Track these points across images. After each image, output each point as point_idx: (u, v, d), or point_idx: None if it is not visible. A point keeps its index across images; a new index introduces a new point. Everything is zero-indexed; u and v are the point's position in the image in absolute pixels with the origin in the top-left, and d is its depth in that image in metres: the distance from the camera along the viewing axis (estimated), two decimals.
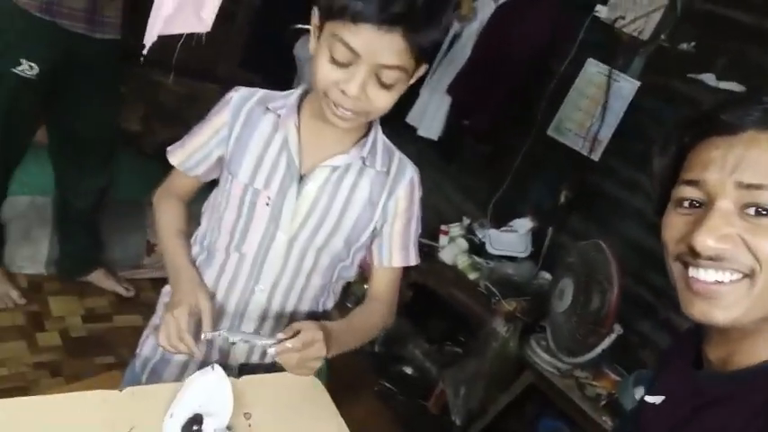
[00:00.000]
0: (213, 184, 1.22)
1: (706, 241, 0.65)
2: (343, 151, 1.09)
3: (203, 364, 1.19)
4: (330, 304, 1.27)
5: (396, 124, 3.13)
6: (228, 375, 1.04)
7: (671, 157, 0.77)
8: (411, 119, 3.03)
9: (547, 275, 2.58)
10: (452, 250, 2.66)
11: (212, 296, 1.16)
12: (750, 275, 0.66)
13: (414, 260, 1.21)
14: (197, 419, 0.95)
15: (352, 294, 2.83)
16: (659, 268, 2.31)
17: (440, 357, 2.74)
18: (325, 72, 0.94)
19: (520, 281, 2.51)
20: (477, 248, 2.73)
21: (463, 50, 2.85)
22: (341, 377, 1.37)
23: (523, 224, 2.61)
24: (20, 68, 1.96)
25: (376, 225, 1.15)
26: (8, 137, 2.10)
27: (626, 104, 2.48)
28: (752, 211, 0.65)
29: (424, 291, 2.59)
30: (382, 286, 1.21)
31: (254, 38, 3.54)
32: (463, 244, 2.70)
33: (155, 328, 1.24)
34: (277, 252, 1.12)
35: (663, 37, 2.38)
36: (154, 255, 2.58)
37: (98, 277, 2.55)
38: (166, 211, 1.22)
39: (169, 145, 1.21)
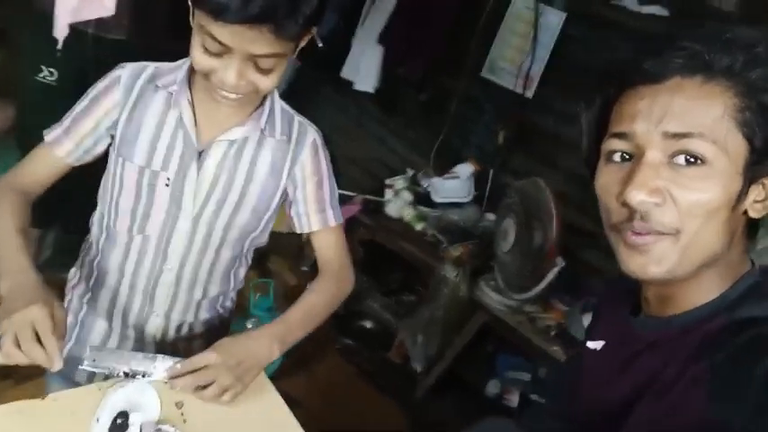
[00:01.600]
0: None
1: (637, 196, 0.65)
2: (239, 123, 1.06)
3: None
4: (242, 273, 1.25)
5: (331, 80, 3.08)
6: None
7: (597, 109, 0.75)
8: (346, 73, 2.97)
9: (492, 217, 2.61)
10: (397, 203, 2.66)
11: (119, 278, 1.14)
12: (674, 233, 0.66)
13: (333, 221, 1.18)
14: (123, 414, 0.93)
15: (306, 257, 2.83)
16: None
17: (397, 308, 2.77)
18: (200, 60, 0.92)
19: (466, 225, 2.53)
20: (422, 198, 2.73)
21: None
22: (302, 341, 1.37)
23: (465, 169, 2.61)
24: (41, 75, 1.93)
25: (286, 192, 1.14)
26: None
27: (554, 36, 2.47)
28: (681, 159, 0.64)
29: (375, 245, 2.60)
30: (324, 252, 1.20)
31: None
32: (408, 196, 2.70)
33: (72, 314, 1.20)
34: (182, 232, 1.10)
35: None
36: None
37: None
38: (8, 204, 1.05)
39: None
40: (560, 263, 2.10)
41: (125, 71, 1.07)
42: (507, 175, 2.63)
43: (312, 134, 1.14)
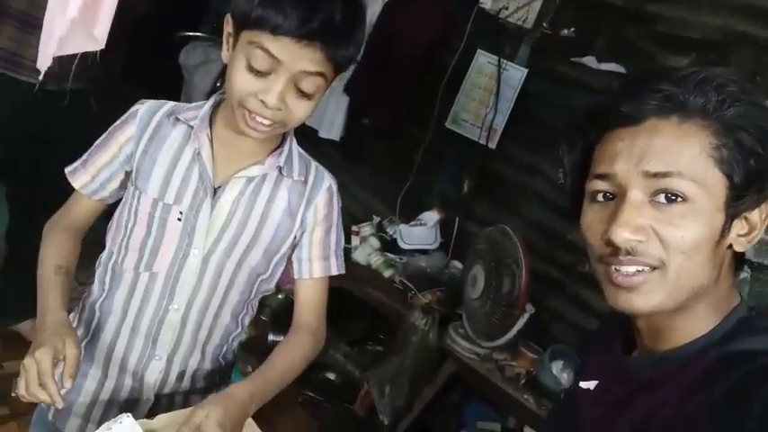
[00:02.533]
0: (113, 207, 1.15)
1: (622, 234, 0.67)
2: (258, 162, 1.05)
3: (116, 398, 1.11)
4: (247, 321, 1.20)
5: (295, 128, 3.08)
6: (138, 415, 0.97)
7: (579, 152, 0.78)
8: (311, 121, 2.98)
9: (458, 264, 2.62)
10: (365, 250, 2.64)
11: (122, 319, 1.10)
12: (660, 267, 0.68)
13: (336, 269, 1.16)
14: None
15: (267, 306, 2.74)
16: (564, 246, 2.42)
17: (362, 358, 2.70)
18: (242, 82, 0.92)
19: (433, 272, 2.53)
20: (389, 245, 2.73)
21: None
22: None
23: (431, 216, 2.63)
24: None
25: (296, 235, 1.12)
26: None
27: (516, 91, 2.56)
28: (662, 198, 0.67)
29: (340, 293, 2.55)
30: (309, 303, 1.15)
31: (136, 48, 3.35)
32: (375, 243, 2.69)
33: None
34: (191, 269, 1.06)
35: (545, 24, 2.48)
36: None
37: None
38: (51, 245, 1.10)
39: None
40: (530, 309, 2.12)
41: (143, 106, 1.08)
42: (472, 223, 2.67)
43: (329, 179, 1.14)
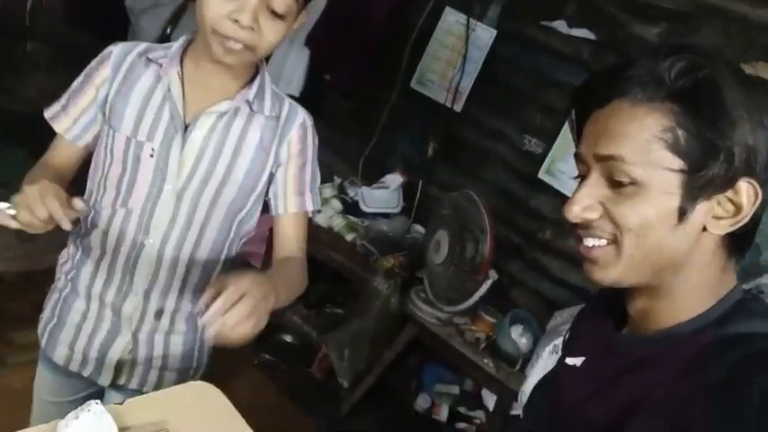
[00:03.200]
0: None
1: (569, 213, 0.70)
2: (228, 97, 1.06)
3: (98, 329, 1.14)
4: (227, 264, 1.17)
5: None
6: (119, 353, 1.09)
7: (574, 131, 0.78)
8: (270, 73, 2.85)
9: (420, 228, 2.60)
10: (327, 212, 2.58)
11: (101, 254, 1.11)
12: (614, 242, 0.69)
13: (311, 205, 1.16)
14: None
15: None
16: (526, 213, 2.43)
17: (320, 321, 2.68)
18: (214, 5, 0.93)
19: (395, 236, 2.50)
20: (350, 208, 2.67)
21: None
22: (217, 355, 1.27)
23: (394, 179, 2.59)
24: None
25: (271, 171, 1.11)
26: None
27: (485, 53, 2.51)
28: (613, 179, 0.68)
29: None
30: (290, 241, 1.14)
31: None
32: (337, 205, 2.63)
33: (58, 291, 1.18)
34: (165, 205, 1.07)
35: None
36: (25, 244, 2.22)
37: None
38: (37, 170, 1.09)
39: None
40: (493, 276, 2.13)
41: (117, 47, 1.08)
42: (435, 187, 2.64)
43: (303, 115, 1.13)
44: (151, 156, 1.05)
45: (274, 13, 0.95)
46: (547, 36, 2.36)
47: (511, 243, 2.46)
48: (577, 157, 0.73)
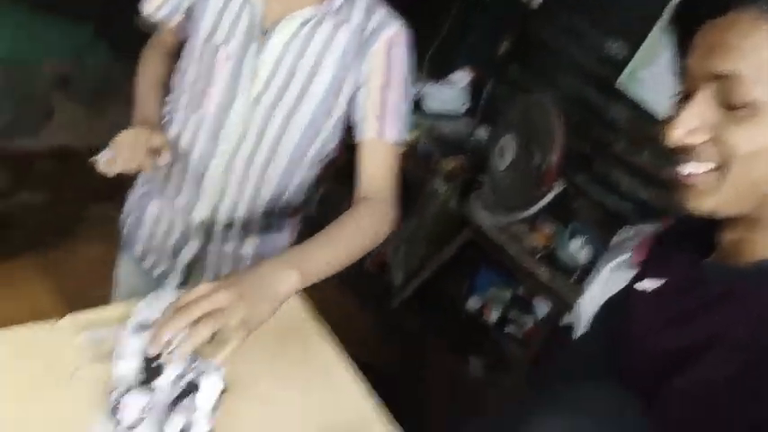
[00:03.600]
0: None
1: (672, 135, 0.64)
2: (314, 2, 0.97)
3: (171, 232, 1.15)
4: (305, 186, 1.13)
5: None
6: (186, 257, 1.10)
7: (677, 47, 0.70)
8: None
9: (484, 131, 2.52)
10: None
11: (173, 160, 1.07)
12: (718, 168, 0.63)
13: (393, 133, 1.00)
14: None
15: None
16: (597, 121, 2.31)
17: None
18: None
19: (458, 138, 2.44)
20: (414, 105, 2.59)
21: None
22: None
23: (462, 77, 2.48)
24: None
25: (353, 90, 1.01)
26: None
27: None
28: (726, 99, 0.61)
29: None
30: (371, 173, 1.00)
31: None
32: None
33: (136, 189, 1.20)
34: (237, 115, 1.02)
35: None
36: (54, 121, 2.25)
37: None
38: (146, 63, 1.14)
39: None
40: (559, 186, 2.07)
41: None
42: (504, 87, 2.52)
43: (394, 27, 1.01)
44: (226, 61, 1.00)
45: None
46: None
47: (580, 153, 2.36)
48: (683, 71, 0.66)
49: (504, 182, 2.19)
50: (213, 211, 1.09)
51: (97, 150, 0.96)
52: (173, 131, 1.07)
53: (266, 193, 1.09)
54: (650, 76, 2.11)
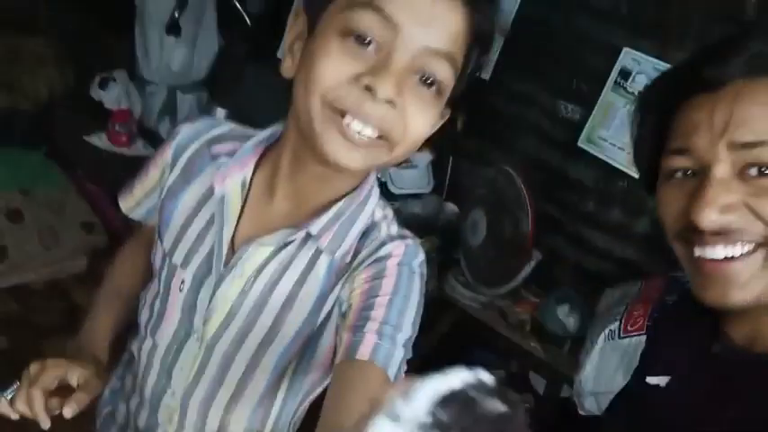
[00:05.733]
0: None
1: (709, 216, 0.57)
2: (295, 223, 0.74)
3: None
4: (296, 400, 0.85)
5: (263, 63, 2.80)
6: None
7: (651, 124, 0.68)
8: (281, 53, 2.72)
9: (453, 206, 2.48)
10: None
11: (132, 380, 0.90)
12: (763, 244, 0.57)
13: (370, 353, 0.68)
14: None
15: None
16: (564, 184, 2.29)
17: None
18: (334, 63, 0.61)
19: (427, 217, 2.39)
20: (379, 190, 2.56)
21: None
22: None
23: (422, 157, 2.46)
24: None
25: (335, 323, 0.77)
26: None
27: (511, 16, 2.34)
28: (754, 171, 0.57)
29: None
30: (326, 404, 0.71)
31: None
32: None
33: (114, 380, 1.00)
34: (190, 355, 0.81)
35: None
36: (7, 260, 2.14)
37: None
38: (121, 258, 0.99)
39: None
40: (537, 256, 2.02)
41: (186, 127, 0.83)
42: (465, 162, 2.51)
43: (397, 247, 0.74)
44: (180, 290, 0.80)
45: (427, 83, 0.62)
46: None
47: (550, 217, 2.33)
48: (684, 151, 0.61)
49: (481, 258, 2.13)
50: None
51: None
52: (134, 348, 0.90)
53: (237, 427, 0.85)
54: (608, 135, 2.12)
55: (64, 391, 0.74)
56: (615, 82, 2.08)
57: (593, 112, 2.15)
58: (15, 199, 2.18)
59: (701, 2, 1.90)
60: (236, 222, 0.77)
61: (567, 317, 2.06)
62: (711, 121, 0.58)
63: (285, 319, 0.76)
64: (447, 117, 0.72)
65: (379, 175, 2.57)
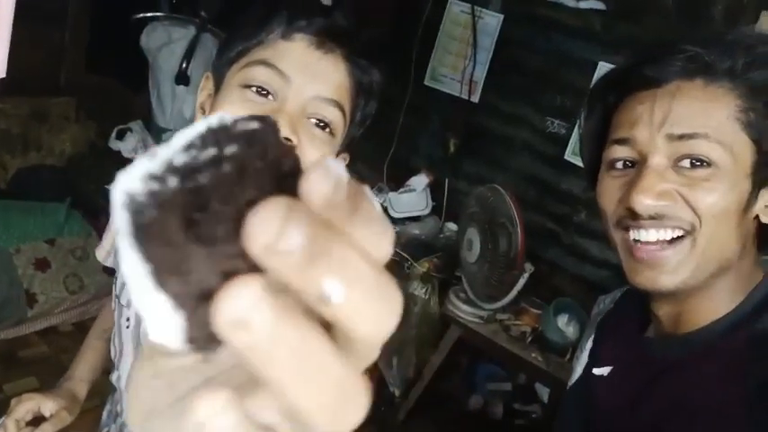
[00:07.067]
0: None
1: (644, 201, 0.63)
2: None
3: None
4: None
5: None
6: None
7: (597, 118, 0.74)
8: None
9: (452, 226, 2.56)
10: None
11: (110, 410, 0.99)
12: (691, 232, 0.63)
13: None
14: None
15: None
16: (556, 196, 2.36)
17: None
18: (235, 109, 0.69)
19: (427, 239, 2.48)
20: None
21: None
22: None
23: (420, 181, 2.56)
24: None
25: None
26: None
27: (494, 39, 2.45)
28: (686, 163, 0.63)
29: None
30: None
31: (95, 36, 3.20)
32: None
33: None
34: None
35: None
36: (37, 305, 2.31)
37: None
38: (104, 307, 1.09)
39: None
40: (529, 269, 2.08)
41: None
42: (462, 182, 2.60)
43: None
44: (127, 327, 0.88)
45: (321, 125, 0.71)
46: (555, 12, 2.27)
47: (546, 229, 2.39)
48: (624, 141, 0.67)
49: (477, 274, 2.20)
50: None
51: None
52: (112, 376, 0.96)
53: None
54: None
55: (41, 421, 0.91)
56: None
57: (577, 125, 2.22)
58: (42, 249, 2.35)
59: (669, 16, 1.97)
60: None
61: (566, 326, 2.11)
62: (651, 115, 0.64)
63: None
64: (347, 161, 0.81)
65: (380, 202, 2.67)
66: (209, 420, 0.18)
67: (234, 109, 0.71)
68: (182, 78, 2.94)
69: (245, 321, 0.17)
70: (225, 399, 0.18)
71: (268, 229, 0.17)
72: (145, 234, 0.18)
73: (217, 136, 0.19)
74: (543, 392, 2.29)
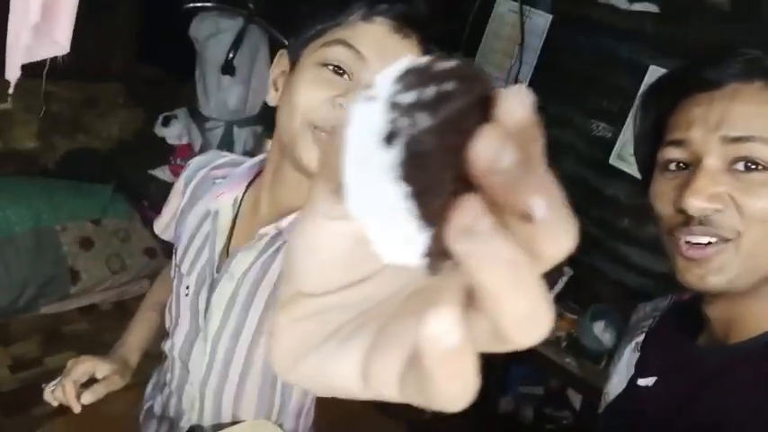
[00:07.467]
0: None
1: (696, 203, 0.63)
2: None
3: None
4: (289, 424, 0.95)
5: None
6: None
7: (652, 120, 0.74)
8: None
9: None
10: None
11: (166, 375, 1.02)
12: (734, 239, 0.63)
13: None
14: None
15: None
16: (600, 201, 2.32)
17: None
18: (310, 93, 0.73)
19: None
20: None
21: None
22: None
23: None
24: None
25: None
26: None
27: (542, 40, 2.42)
28: (741, 166, 0.63)
29: None
30: None
31: (146, 26, 3.27)
32: None
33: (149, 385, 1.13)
34: (200, 351, 0.91)
35: None
36: (80, 282, 2.38)
37: None
38: (159, 279, 1.15)
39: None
40: (568, 272, 2.05)
41: (195, 160, 1.01)
42: None
43: None
44: (186, 294, 0.92)
45: None
46: (605, 14, 2.23)
47: (588, 234, 2.35)
48: (679, 143, 0.67)
49: None
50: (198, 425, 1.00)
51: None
52: (165, 345, 1.01)
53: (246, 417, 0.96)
54: None
55: (94, 383, 0.95)
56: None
57: (623, 129, 2.18)
58: (87, 228, 2.42)
59: (723, 20, 1.92)
60: (229, 234, 0.89)
61: (603, 332, 2.07)
62: (707, 117, 0.64)
63: (269, 316, 0.85)
64: None
65: None
66: (442, 335, 0.20)
67: (311, 87, 0.73)
68: (228, 69, 2.98)
69: (470, 230, 0.19)
70: (455, 315, 0.20)
71: (492, 150, 0.19)
72: (419, 160, 0.20)
73: (427, 75, 0.21)
74: (575, 399, 2.25)
